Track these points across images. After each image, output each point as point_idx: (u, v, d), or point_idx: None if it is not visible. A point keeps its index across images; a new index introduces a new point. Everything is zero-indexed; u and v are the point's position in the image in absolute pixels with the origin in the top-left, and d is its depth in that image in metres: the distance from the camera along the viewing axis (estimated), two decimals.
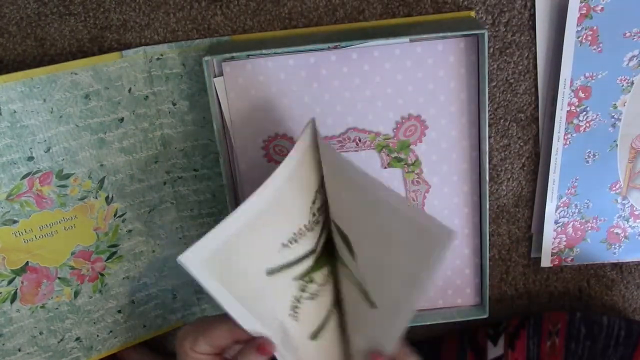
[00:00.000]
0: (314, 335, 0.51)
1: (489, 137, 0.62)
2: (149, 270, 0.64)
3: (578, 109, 0.60)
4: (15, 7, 0.56)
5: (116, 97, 0.57)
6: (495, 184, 0.65)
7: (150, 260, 0.64)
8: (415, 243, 0.45)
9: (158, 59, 0.58)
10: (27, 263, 0.59)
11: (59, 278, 0.60)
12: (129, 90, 0.58)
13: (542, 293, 0.71)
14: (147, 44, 0.58)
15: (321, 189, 0.52)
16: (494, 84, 0.61)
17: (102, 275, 0.62)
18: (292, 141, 0.59)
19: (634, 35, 0.57)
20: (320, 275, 0.52)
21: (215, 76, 0.56)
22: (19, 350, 0.61)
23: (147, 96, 0.59)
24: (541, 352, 0.64)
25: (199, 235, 0.64)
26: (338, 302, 0.54)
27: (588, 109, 0.60)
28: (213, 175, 0.63)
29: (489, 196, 0.65)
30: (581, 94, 0.59)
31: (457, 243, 0.63)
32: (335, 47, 0.56)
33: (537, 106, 0.62)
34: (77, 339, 0.63)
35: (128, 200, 0.61)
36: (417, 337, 0.73)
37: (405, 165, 0.60)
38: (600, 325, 0.64)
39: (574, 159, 0.62)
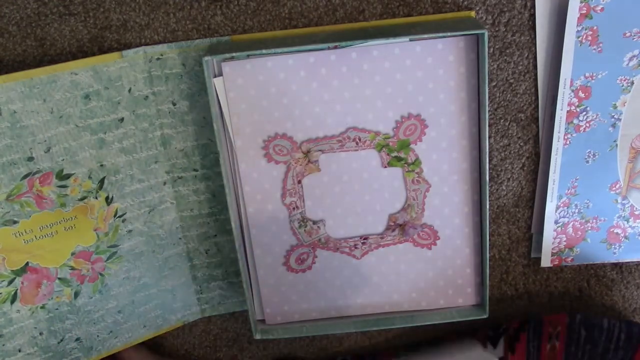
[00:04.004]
0: None
1: (489, 137, 0.62)
2: (149, 270, 0.64)
3: (578, 109, 0.60)
4: (15, 7, 0.56)
5: (116, 97, 0.57)
6: (495, 184, 0.65)
7: (150, 260, 0.64)
8: None
9: (158, 59, 0.58)
10: (27, 263, 0.59)
11: (59, 278, 0.60)
12: (129, 90, 0.58)
13: (542, 293, 0.71)
14: (147, 44, 0.58)
15: None
16: (494, 84, 0.61)
17: (102, 275, 0.62)
18: (292, 141, 0.59)
19: (634, 35, 0.57)
20: None
21: (215, 76, 0.56)
22: (19, 350, 0.61)
23: (147, 96, 0.59)
24: (541, 356, 0.64)
25: (199, 235, 0.65)
26: None
27: (588, 109, 0.60)
28: (213, 175, 0.63)
29: (489, 196, 0.65)
30: (581, 94, 0.59)
31: (458, 242, 0.63)
32: (335, 47, 0.56)
33: (537, 106, 0.62)
34: (77, 339, 0.63)
35: (128, 200, 0.61)
36: (417, 338, 0.73)
37: (405, 165, 0.60)
38: (601, 328, 0.63)
39: (574, 159, 0.62)
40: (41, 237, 0.58)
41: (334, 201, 0.62)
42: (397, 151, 0.60)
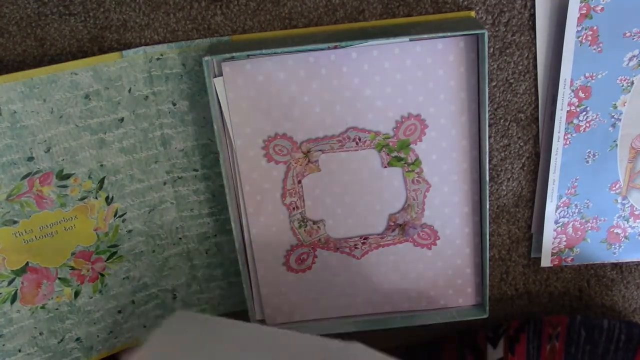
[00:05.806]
0: None
1: (489, 137, 0.62)
2: (149, 270, 0.64)
3: (578, 109, 0.60)
4: (15, 7, 0.56)
5: (116, 97, 0.57)
6: (495, 184, 0.65)
7: (150, 260, 0.64)
8: None
9: (158, 59, 0.58)
10: (27, 263, 0.59)
11: (59, 278, 0.60)
12: (129, 90, 0.58)
13: (542, 293, 0.71)
14: (147, 44, 0.58)
15: None
16: (494, 84, 0.61)
17: (102, 275, 0.62)
18: (292, 141, 0.59)
19: (634, 35, 0.57)
20: None
21: (215, 76, 0.56)
22: (19, 350, 0.61)
23: (147, 96, 0.59)
24: (541, 357, 0.64)
25: (199, 235, 0.65)
26: None
27: (588, 109, 0.60)
28: (213, 175, 0.63)
29: (489, 196, 0.65)
30: (581, 94, 0.59)
31: (458, 242, 0.63)
32: (335, 47, 0.56)
33: (537, 106, 0.62)
34: (78, 339, 0.63)
35: (128, 200, 0.61)
36: (416, 339, 0.73)
37: (405, 165, 0.60)
38: (601, 329, 0.63)
39: (574, 159, 0.62)
40: (41, 237, 0.58)
41: (334, 201, 0.62)
42: (397, 151, 0.60)
